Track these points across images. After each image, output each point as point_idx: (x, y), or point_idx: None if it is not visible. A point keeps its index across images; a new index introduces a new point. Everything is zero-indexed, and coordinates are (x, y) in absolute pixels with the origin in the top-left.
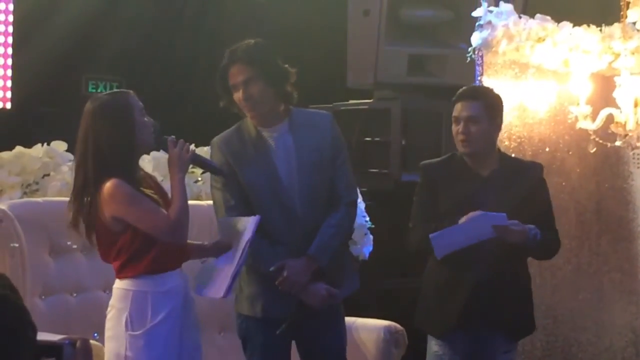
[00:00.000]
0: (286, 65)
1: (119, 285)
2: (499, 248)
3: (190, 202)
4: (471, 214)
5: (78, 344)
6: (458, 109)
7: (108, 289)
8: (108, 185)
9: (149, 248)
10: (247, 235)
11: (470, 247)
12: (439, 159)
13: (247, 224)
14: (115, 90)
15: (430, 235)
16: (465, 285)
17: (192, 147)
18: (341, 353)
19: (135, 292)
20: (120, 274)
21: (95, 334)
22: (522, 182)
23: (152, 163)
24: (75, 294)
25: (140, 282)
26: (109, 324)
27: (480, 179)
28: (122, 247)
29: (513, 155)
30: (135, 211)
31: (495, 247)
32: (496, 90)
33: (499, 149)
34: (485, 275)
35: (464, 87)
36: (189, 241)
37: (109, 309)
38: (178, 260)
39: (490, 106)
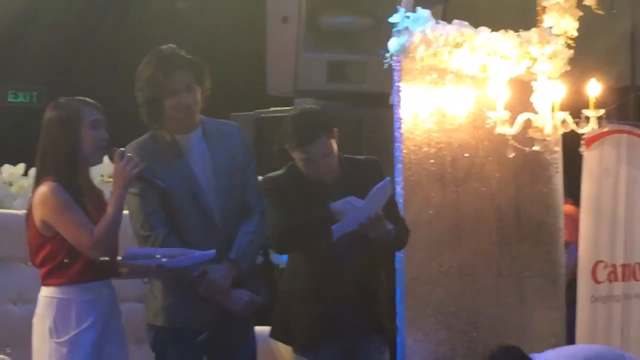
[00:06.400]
0: None
1: (44, 292)
2: (359, 256)
3: None
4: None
5: None
6: (309, 153)
7: (20, 302)
8: (43, 188)
9: (77, 257)
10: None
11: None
12: (280, 172)
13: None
14: (73, 98)
15: (333, 227)
16: (328, 295)
17: (142, 165)
18: None
19: (59, 299)
20: (46, 280)
21: (8, 349)
22: (365, 182)
23: None
24: None
25: (65, 290)
26: (35, 336)
27: (326, 187)
28: (50, 254)
29: (358, 157)
30: (63, 220)
31: (356, 257)
32: (415, 96)
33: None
34: (348, 285)
35: (297, 132)
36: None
37: (34, 318)
38: (106, 272)
39: (332, 133)
